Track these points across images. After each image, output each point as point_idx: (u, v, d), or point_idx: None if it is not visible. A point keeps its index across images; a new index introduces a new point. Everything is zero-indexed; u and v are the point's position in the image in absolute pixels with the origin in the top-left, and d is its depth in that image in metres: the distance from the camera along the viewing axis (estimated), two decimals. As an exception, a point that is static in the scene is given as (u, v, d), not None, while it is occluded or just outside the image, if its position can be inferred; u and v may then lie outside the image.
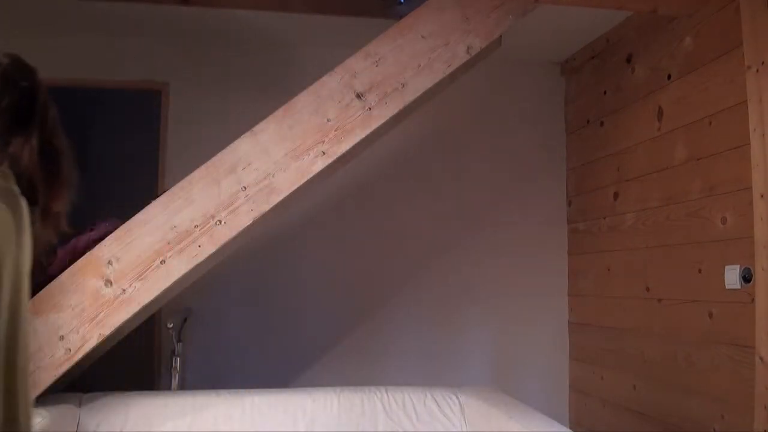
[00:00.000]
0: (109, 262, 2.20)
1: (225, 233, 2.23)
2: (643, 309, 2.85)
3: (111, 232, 2.26)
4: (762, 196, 2.15)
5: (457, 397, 2.73)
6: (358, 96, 2.35)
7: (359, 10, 2.94)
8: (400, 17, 2.46)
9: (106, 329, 2.18)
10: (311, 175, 2.32)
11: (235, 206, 2.25)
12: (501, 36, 2.49)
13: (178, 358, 2.84)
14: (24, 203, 1.10)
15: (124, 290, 2.19)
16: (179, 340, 2.88)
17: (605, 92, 3.22)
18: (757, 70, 2.18)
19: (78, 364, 2.23)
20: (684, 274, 2.57)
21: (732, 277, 2.28)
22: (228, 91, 3.30)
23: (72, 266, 2.22)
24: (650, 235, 2.82)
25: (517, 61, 3.51)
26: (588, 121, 3.39)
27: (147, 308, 2.27)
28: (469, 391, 2.78)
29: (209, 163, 2.27)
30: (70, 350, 2.17)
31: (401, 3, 2.93)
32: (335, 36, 3.08)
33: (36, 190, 1.15)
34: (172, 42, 3.25)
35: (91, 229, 2.44)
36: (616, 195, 3.10)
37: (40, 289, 2.21)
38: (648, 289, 2.82)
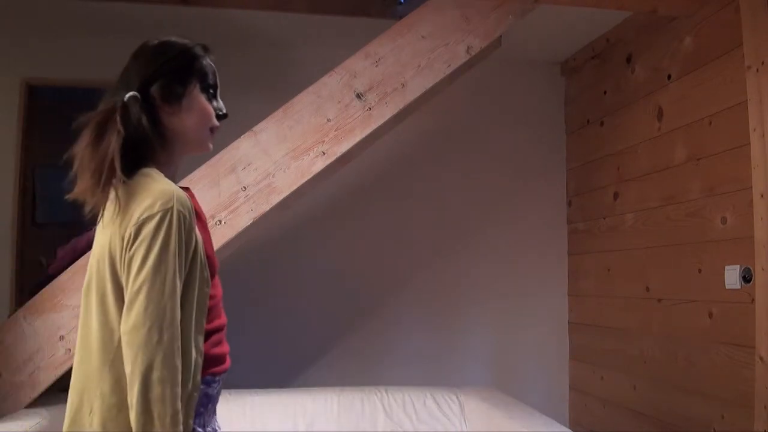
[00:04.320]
0: (109, 262, 2.20)
1: (225, 233, 2.23)
2: (643, 309, 2.85)
3: (111, 232, 2.26)
4: (762, 196, 2.15)
5: (457, 397, 2.73)
6: (358, 96, 2.35)
7: (359, 10, 2.94)
8: (400, 17, 2.47)
9: (106, 329, 2.18)
10: (311, 175, 2.32)
11: (235, 206, 2.25)
12: (501, 36, 2.49)
13: (178, 358, 2.84)
14: None
15: (124, 290, 2.19)
16: (179, 340, 2.88)
17: (605, 92, 3.22)
18: (757, 70, 2.18)
19: (78, 364, 2.23)
20: (684, 274, 2.57)
21: (732, 277, 2.28)
22: (228, 90, 3.28)
23: (72, 266, 2.22)
24: (650, 235, 2.82)
25: (517, 61, 3.51)
26: (588, 121, 3.39)
27: (147, 308, 2.27)
28: (469, 391, 2.79)
29: (209, 163, 2.27)
30: (70, 350, 2.17)
31: (401, 3, 2.93)
32: (335, 36, 3.08)
33: None
34: (172, 42, 3.24)
35: (92, 229, 2.44)
36: (616, 195, 3.10)
37: (40, 289, 2.21)
38: (648, 289, 2.82)
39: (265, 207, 2.28)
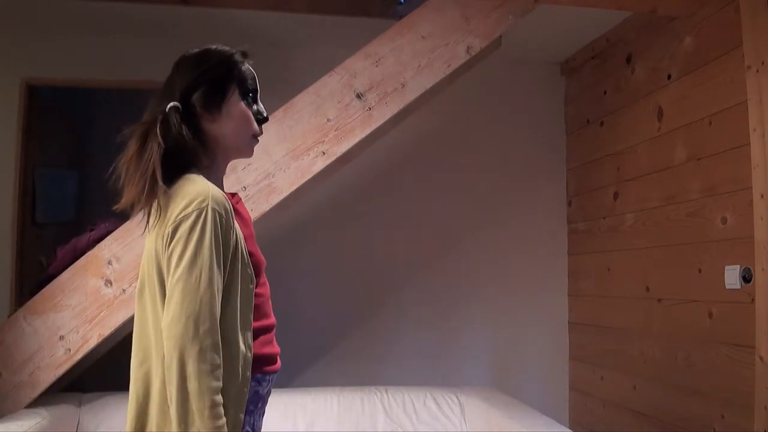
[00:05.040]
0: (109, 262, 2.20)
1: (225, 233, 2.23)
2: (643, 309, 2.85)
3: (111, 232, 2.26)
4: (762, 196, 2.15)
5: (457, 397, 2.73)
6: (358, 96, 2.35)
7: (359, 10, 2.94)
8: (400, 17, 2.47)
9: (106, 329, 2.18)
10: (311, 175, 2.32)
11: (235, 206, 2.25)
12: (501, 36, 2.49)
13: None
14: None
15: (124, 290, 2.19)
16: (179, 340, 2.88)
17: (605, 92, 3.22)
18: (757, 70, 2.18)
19: (78, 364, 2.23)
20: (684, 274, 2.57)
21: (732, 277, 2.28)
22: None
23: (72, 266, 2.22)
24: (650, 235, 2.82)
25: (517, 61, 3.50)
26: (588, 121, 3.39)
27: (147, 308, 2.27)
28: (469, 391, 2.79)
29: (209, 163, 2.27)
30: (70, 350, 2.17)
31: (401, 3, 2.93)
32: (335, 36, 3.08)
33: None
34: (172, 42, 3.24)
35: (91, 229, 2.44)
36: (616, 195, 3.10)
37: (40, 289, 2.21)
38: (648, 289, 2.82)
39: (265, 207, 2.28)
